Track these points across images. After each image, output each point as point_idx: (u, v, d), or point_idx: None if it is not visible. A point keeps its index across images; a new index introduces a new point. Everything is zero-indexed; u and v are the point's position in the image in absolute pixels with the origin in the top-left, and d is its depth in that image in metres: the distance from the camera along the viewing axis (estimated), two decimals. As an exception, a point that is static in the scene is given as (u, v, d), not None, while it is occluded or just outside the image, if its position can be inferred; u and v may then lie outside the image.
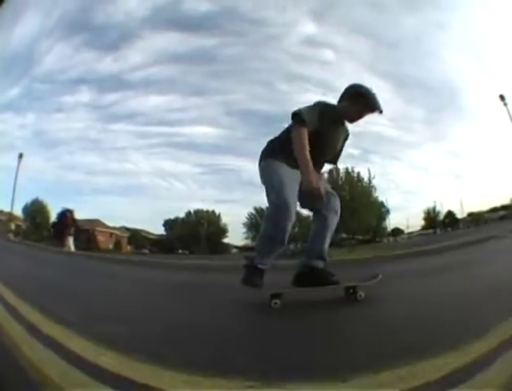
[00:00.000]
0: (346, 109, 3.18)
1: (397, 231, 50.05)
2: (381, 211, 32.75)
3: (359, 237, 36.70)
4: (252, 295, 3.09)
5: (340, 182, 30.64)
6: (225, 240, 48.20)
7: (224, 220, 48.70)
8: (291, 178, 2.88)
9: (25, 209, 39.88)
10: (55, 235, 37.93)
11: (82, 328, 1.91)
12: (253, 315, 2.86)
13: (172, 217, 51.39)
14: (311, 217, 3.56)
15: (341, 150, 3.39)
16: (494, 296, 3.00)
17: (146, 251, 39.77)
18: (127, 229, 51.13)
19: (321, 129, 3.02)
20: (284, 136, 3.09)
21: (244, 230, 47.81)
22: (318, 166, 3.07)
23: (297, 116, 2.94)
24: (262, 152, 3.17)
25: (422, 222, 55.16)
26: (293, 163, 2.93)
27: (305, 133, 2.87)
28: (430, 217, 52.54)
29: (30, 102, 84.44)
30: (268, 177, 2.97)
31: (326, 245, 3.08)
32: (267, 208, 2.94)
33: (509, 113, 22.94)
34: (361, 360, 1.63)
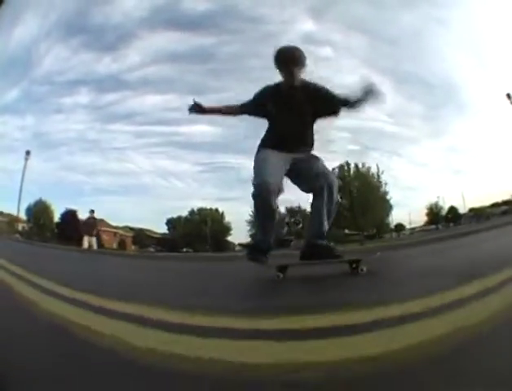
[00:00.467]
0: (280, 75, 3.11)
1: (400, 227, 50.88)
2: (387, 206, 32.88)
3: (362, 233, 37.02)
4: (262, 271, 3.39)
5: (349, 178, 31.33)
6: (229, 238, 48.51)
7: (227, 218, 48.85)
8: (274, 160, 2.98)
9: (28, 210, 39.73)
10: (61, 234, 37.83)
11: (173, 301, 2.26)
12: (259, 282, 3.23)
13: (174, 215, 51.44)
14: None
15: (321, 105, 3.16)
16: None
17: (151, 250, 39.56)
18: (131, 228, 50.99)
19: (266, 106, 3.17)
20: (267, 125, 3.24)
21: (248, 227, 47.97)
22: (293, 134, 3.13)
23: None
24: None
25: (424, 218, 55.82)
26: (280, 146, 3.06)
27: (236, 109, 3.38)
28: (433, 213, 52.68)
29: (30, 104, 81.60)
30: (254, 164, 3.03)
31: (323, 224, 3.10)
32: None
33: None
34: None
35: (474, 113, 78.35)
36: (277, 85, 3.16)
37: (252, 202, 2.86)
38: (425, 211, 53.92)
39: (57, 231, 39.44)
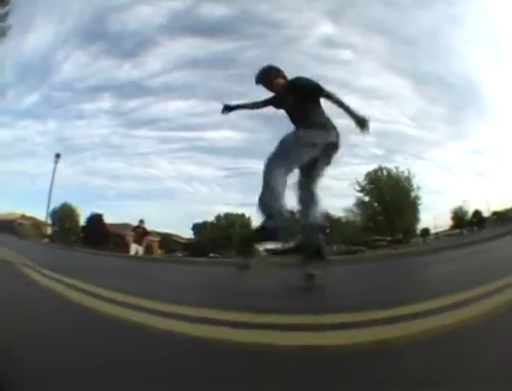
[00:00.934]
0: None
1: (425, 232, 49.15)
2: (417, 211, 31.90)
3: (389, 238, 35.98)
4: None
5: (382, 183, 30.86)
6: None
7: (253, 223, 47.75)
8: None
9: (53, 214, 39.35)
10: (87, 238, 37.32)
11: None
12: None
13: (199, 220, 50.85)
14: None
15: (300, 102, 3.20)
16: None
17: (179, 254, 38.78)
18: (158, 233, 50.70)
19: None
20: None
21: None
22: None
23: None
24: None
25: (449, 222, 54.28)
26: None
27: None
28: (458, 217, 53.07)
29: (50, 109, 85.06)
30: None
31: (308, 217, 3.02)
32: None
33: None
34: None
35: (497, 115, 77.19)
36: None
37: None
38: (450, 215, 53.87)
39: (83, 235, 39.15)
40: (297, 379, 1.00)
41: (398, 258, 7.67)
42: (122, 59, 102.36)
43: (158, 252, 44.62)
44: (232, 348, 1.25)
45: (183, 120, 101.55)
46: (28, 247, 13.20)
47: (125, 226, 45.80)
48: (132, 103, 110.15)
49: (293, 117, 3.25)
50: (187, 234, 50.26)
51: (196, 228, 50.15)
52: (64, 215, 38.49)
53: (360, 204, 32.56)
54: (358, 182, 31.79)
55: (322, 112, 3.19)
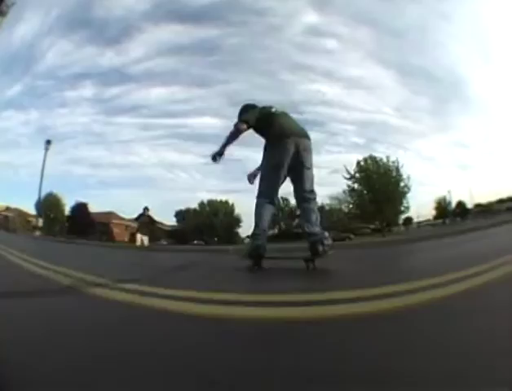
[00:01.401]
0: None
1: (408, 221, 50.31)
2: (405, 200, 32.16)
3: (371, 226, 37.25)
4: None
5: (371, 172, 31.05)
6: (237, 230, 48.63)
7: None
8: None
9: (38, 204, 38.74)
10: (72, 227, 37.73)
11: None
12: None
13: (182, 207, 51.04)
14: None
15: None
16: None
17: (164, 242, 39.52)
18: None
19: None
20: None
21: None
22: None
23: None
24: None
25: (431, 212, 55.88)
26: None
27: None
28: (441, 207, 54.16)
29: (33, 99, 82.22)
30: None
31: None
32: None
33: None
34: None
35: (481, 108, 77.40)
36: None
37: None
38: (434, 205, 55.09)
39: (68, 224, 39.53)
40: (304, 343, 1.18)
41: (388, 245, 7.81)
42: (105, 47, 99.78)
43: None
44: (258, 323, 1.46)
45: (165, 107, 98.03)
46: (23, 240, 13.15)
47: (110, 214, 46.26)
48: (114, 91, 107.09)
49: None
50: (170, 221, 50.66)
51: (179, 215, 50.67)
52: (49, 205, 37.80)
53: (351, 191, 32.74)
54: (347, 170, 31.96)
55: (277, 131, 3.31)
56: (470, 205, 52.93)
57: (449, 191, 53.17)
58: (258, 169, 3.54)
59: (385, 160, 31.64)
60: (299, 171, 3.22)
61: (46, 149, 29.31)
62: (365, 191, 31.16)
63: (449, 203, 53.26)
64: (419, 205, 57.03)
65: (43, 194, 37.91)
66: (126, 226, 47.45)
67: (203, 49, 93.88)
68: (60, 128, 72.49)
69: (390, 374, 0.92)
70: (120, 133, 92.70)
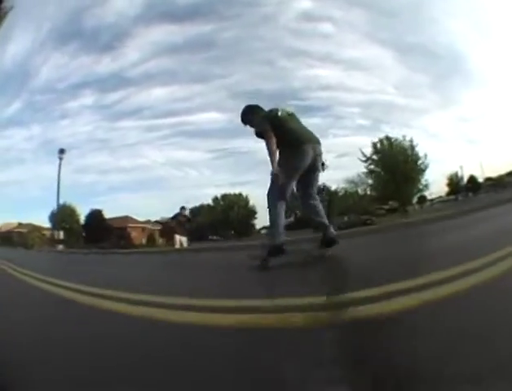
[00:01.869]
0: None
1: (422, 199, 49.05)
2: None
3: (386, 206, 37.00)
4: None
5: (389, 152, 30.39)
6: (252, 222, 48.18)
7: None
8: None
9: (52, 216, 38.87)
10: (89, 236, 37.75)
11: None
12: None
13: (195, 204, 50.83)
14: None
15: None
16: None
17: (182, 242, 38.95)
18: (157, 222, 50.87)
19: None
20: None
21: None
22: None
23: None
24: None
25: (443, 188, 53.94)
26: None
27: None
28: (453, 183, 52.72)
29: (33, 114, 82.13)
30: None
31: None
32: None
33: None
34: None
35: (482, 82, 75.39)
36: None
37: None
38: (445, 181, 53.58)
39: (84, 233, 39.73)
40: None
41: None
42: (100, 54, 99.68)
43: (160, 241, 45.19)
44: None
45: (167, 107, 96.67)
46: (56, 259, 12.06)
47: (125, 218, 46.36)
48: (114, 96, 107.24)
49: None
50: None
51: (193, 212, 50.68)
52: (64, 216, 37.32)
53: (369, 173, 31.91)
54: (362, 153, 31.05)
55: (295, 136, 3.42)
56: (481, 179, 52.20)
57: (461, 167, 51.89)
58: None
59: (400, 139, 30.81)
60: (312, 174, 3.47)
61: (60, 158, 29.42)
62: (384, 173, 30.25)
63: (461, 178, 52.08)
64: (430, 183, 56.37)
65: (56, 206, 38.13)
66: (143, 229, 47.76)
67: (198, 45, 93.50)
68: (64, 139, 72.67)
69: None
70: (125, 137, 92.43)
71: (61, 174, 26.85)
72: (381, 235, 7.40)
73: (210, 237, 43.09)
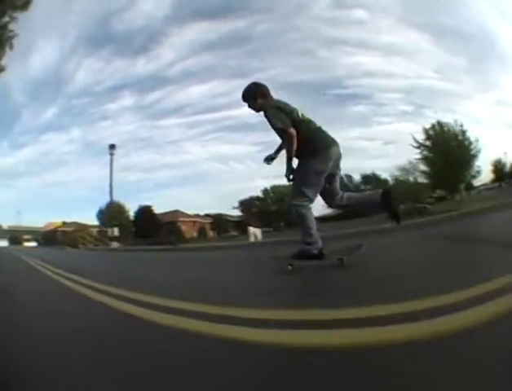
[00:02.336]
0: None
1: (469, 186, 46.11)
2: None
3: (434, 195, 36.04)
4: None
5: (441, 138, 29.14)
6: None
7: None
8: None
9: (100, 213, 39.30)
10: (139, 232, 37.14)
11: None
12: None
13: (244, 197, 49.90)
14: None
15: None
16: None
17: (234, 233, 37.86)
18: (208, 215, 50.39)
19: None
20: None
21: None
22: None
23: None
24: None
25: (488, 175, 49.25)
26: None
27: None
28: (497, 170, 49.48)
29: (72, 118, 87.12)
30: None
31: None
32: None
33: None
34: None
35: None
36: None
37: None
38: (490, 168, 49.50)
39: (134, 229, 39.20)
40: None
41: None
42: (135, 57, 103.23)
43: (211, 233, 44.45)
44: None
45: (208, 103, 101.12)
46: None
47: (175, 212, 46.10)
48: (154, 96, 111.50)
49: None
50: (235, 212, 49.74)
51: (243, 205, 49.47)
52: (113, 213, 37.17)
53: (422, 160, 30.35)
54: (415, 139, 29.57)
55: (319, 139, 3.27)
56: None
57: (505, 153, 48.31)
58: (276, 153, 3.61)
59: (452, 124, 29.34)
60: (334, 175, 3.35)
61: (111, 154, 29.00)
62: (438, 159, 28.83)
63: (504, 165, 48.86)
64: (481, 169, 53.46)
65: (103, 204, 37.92)
66: (194, 222, 47.16)
67: (234, 40, 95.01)
68: (106, 140, 74.97)
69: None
70: (168, 134, 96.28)
71: (106, 175, 27.17)
72: (442, 226, 7.14)
73: (264, 229, 41.46)
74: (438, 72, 73.84)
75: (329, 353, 1.10)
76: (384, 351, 1.05)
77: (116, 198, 36.10)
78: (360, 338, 1.18)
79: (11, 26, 14.05)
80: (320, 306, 1.63)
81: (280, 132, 3.27)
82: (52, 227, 54.08)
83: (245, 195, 49.44)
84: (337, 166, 3.34)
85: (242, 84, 3.41)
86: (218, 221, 47.75)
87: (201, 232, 43.01)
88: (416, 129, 30.53)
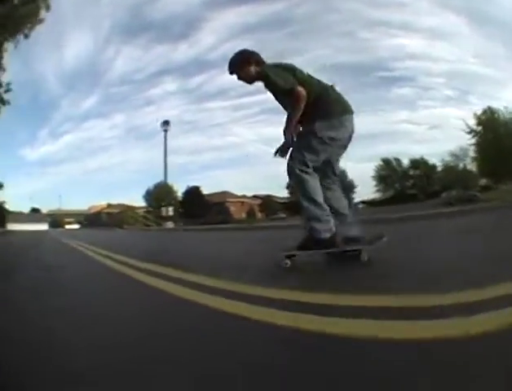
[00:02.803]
0: None
1: None
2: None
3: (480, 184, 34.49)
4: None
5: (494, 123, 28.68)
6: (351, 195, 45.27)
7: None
8: None
9: (147, 194, 40.17)
10: (187, 212, 36.88)
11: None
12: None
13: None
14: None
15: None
16: None
17: (283, 215, 36.58)
18: (256, 196, 49.61)
19: None
20: None
21: (374, 183, 47.67)
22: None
23: None
24: None
25: None
26: None
27: None
28: None
29: (113, 104, 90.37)
30: None
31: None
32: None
33: None
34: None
35: None
36: None
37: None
38: None
39: (182, 209, 38.99)
40: None
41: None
42: (175, 43, 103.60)
43: (259, 215, 43.45)
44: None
45: (251, 85, 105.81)
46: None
47: (224, 193, 45.86)
48: (197, 79, 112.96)
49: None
50: (283, 193, 48.48)
51: (291, 187, 48.33)
52: (160, 194, 38.26)
53: (474, 146, 30.06)
54: (467, 124, 29.07)
55: (335, 103, 2.65)
56: None
57: None
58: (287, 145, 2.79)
59: (502, 109, 28.67)
60: (341, 150, 2.78)
61: (165, 130, 28.53)
62: (488, 146, 28.28)
63: None
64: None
65: (150, 186, 37.85)
66: (242, 203, 46.41)
67: (274, 23, 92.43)
68: (150, 125, 74.73)
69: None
70: (213, 117, 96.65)
71: (153, 158, 27.76)
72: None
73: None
74: (477, 58, 72.51)
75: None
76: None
77: (163, 179, 36.22)
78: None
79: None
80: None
81: (287, 94, 2.61)
82: (96, 209, 56.66)
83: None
84: (345, 147, 2.75)
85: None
86: (267, 203, 47.15)
87: (250, 213, 42.05)
88: (461, 115, 29.06)
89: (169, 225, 23.28)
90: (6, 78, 14.67)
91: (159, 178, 39.13)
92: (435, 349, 0.89)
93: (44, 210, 73.37)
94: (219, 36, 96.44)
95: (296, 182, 2.62)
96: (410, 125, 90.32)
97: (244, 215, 41.56)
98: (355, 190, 43.46)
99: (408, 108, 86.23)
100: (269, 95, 2.74)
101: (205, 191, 44.23)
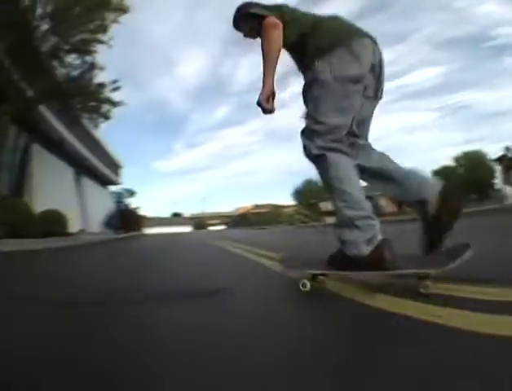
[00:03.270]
0: None
1: None
2: None
3: None
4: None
5: None
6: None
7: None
8: None
9: (296, 193, 40.09)
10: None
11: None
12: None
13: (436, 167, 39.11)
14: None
15: None
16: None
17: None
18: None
19: None
20: None
21: None
22: None
23: None
24: None
25: None
26: None
27: None
28: None
29: (245, 111, 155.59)
30: None
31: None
32: None
33: None
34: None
35: None
36: None
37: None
38: None
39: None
40: None
41: None
42: None
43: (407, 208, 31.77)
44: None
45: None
46: None
47: None
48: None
49: None
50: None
51: (437, 175, 34.51)
52: (309, 191, 37.12)
53: None
54: None
55: (335, 31, 1.85)
56: None
57: None
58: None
59: None
60: (370, 101, 1.95)
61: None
62: None
63: None
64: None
65: (298, 184, 42.77)
66: (390, 198, 32.96)
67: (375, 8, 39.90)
68: (284, 127, 74.70)
69: None
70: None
71: (292, 160, 52.31)
72: None
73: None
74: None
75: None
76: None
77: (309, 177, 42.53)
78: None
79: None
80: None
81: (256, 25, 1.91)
82: (243, 211, 55.16)
83: (436, 166, 39.41)
84: (379, 78, 1.89)
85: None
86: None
87: (400, 206, 37.47)
88: None
89: (330, 220, 18.05)
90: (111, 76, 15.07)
91: (301, 177, 43.00)
92: None
93: (186, 214, 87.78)
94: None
95: (317, 167, 1.80)
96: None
97: (395, 209, 35.96)
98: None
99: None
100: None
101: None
